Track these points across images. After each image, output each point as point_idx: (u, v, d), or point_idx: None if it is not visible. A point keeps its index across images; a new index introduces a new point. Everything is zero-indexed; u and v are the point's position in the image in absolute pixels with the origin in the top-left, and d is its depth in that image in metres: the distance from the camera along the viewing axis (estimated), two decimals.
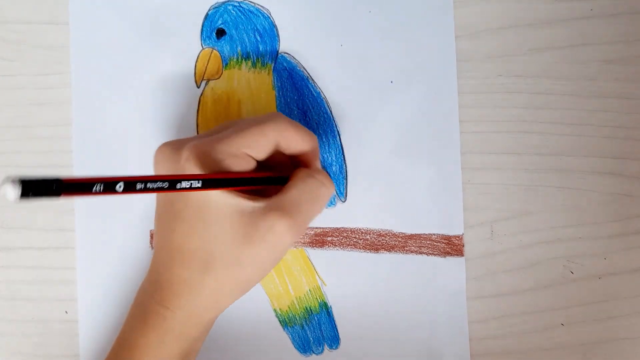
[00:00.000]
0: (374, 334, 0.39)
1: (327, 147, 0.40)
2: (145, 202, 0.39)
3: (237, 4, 0.40)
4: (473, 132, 0.40)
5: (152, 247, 0.39)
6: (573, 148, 0.40)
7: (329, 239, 0.40)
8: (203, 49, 0.40)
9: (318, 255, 0.40)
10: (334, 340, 0.40)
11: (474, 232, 0.40)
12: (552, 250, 0.40)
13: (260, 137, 0.32)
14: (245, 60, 0.39)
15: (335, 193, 0.40)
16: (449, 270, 0.39)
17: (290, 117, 0.39)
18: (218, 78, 0.39)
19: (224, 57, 0.39)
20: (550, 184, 0.40)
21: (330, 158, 0.40)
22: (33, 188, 0.22)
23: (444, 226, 0.39)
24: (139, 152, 0.39)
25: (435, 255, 0.39)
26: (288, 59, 0.40)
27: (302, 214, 0.32)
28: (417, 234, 0.39)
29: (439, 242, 0.39)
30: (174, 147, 0.32)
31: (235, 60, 0.39)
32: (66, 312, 0.39)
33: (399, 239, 0.39)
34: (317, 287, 0.40)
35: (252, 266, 0.32)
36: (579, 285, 0.39)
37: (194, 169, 0.30)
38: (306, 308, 0.40)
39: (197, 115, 0.39)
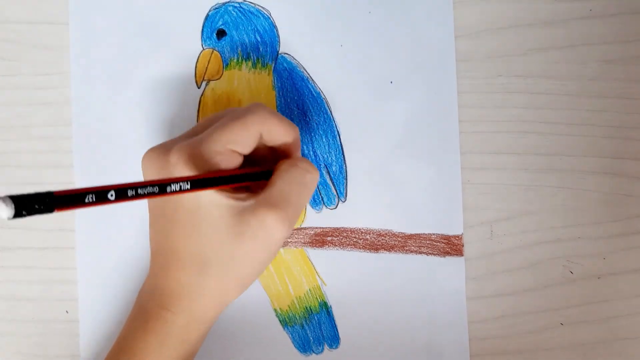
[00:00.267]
0: (374, 333, 0.39)
1: (327, 147, 0.40)
2: (145, 202, 0.39)
3: (238, 5, 0.40)
4: (473, 132, 0.40)
5: None
6: (573, 148, 0.40)
7: (329, 239, 0.40)
8: (203, 49, 0.40)
9: (318, 255, 0.40)
10: (334, 340, 0.40)
11: (473, 232, 0.40)
12: (551, 250, 0.40)
13: (243, 130, 0.32)
14: (245, 61, 0.39)
15: (335, 193, 0.40)
16: (448, 270, 0.39)
17: (290, 117, 0.39)
18: (218, 78, 0.39)
19: (225, 57, 0.39)
20: (550, 184, 0.40)
21: (330, 158, 0.40)
22: (26, 205, 0.22)
23: (444, 226, 0.40)
24: (139, 152, 0.39)
25: (434, 255, 0.39)
26: (288, 59, 0.40)
27: (291, 204, 0.32)
28: (417, 234, 0.40)
29: (439, 242, 0.39)
30: (160, 151, 0.32)
31: (235, 60, 0.39)
32: (67, 312, 0.39)
33: (399, 239, 0.39)
34: (317, 286, 0.40)
35: (249, 263, 0.32)
36: (579, 285, 0.40)
37: (183, 172, 0.30)
38: (306, 308, 0.40)
39: (198, 116, 0.39)
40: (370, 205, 0.40)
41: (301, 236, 0.40)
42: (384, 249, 0.39)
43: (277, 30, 0.40)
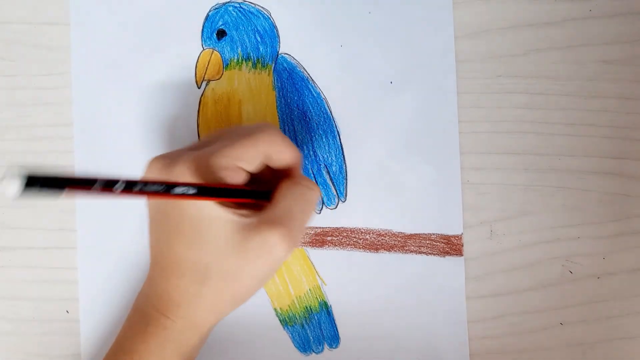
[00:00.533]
0: (374, 333, 0.39)
1: (327, 147, 0.40)
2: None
3: (238, 5, 0.40)
4: (473, 132, 0.40)
5: None
6: (573, 148, 0.40)
7: (329, 238, 0.40)
8: (204, 49, 0.40)
9: (318, 255, 0.40)
10: (334, 340, 0.40)
11: (473, 232, 0.40)
12: (551, 250, 0.40)
13: (252, 148, 0.32)
14: (245, 61, 0.39)
15: (335, 193, 0.40)
16: (448, 270, 0.39)
17: (290, 118, 0.39)
18: (218, 79, 0.40)
19: (225, 58, 0.39)
20: (549, 184, 0.40)
21: (330, 158, 0.40)
22: (38, 183, 0.22)
23: (444, 226, 0.40)
24: (139, 152, 0.39)
25: (434, 255, 0.39)
26: (288, 59, 0.40)
27: (294, 222, 0.32)
28: (417, 234, 0.40)
29: (439, 241, 0.40)
30: (166, 160, 0.32)
31: (235, 61, 0.39)
32: (67, 311, 0.40)
33: (399, 239, 0.40)
34: (317, 286, 0.40)
35: (249, 278, 0.32)
36: (578, 285, 0.40)
37: (188, 181, 0.31)
38: (306, 307, 0.40)
39: (198, 116, 0.39)
40: (370, 205, 0.40)
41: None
42: (384, 249, 0.40)
43: (277, 30, 0.40)
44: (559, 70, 0.40)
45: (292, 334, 0.40)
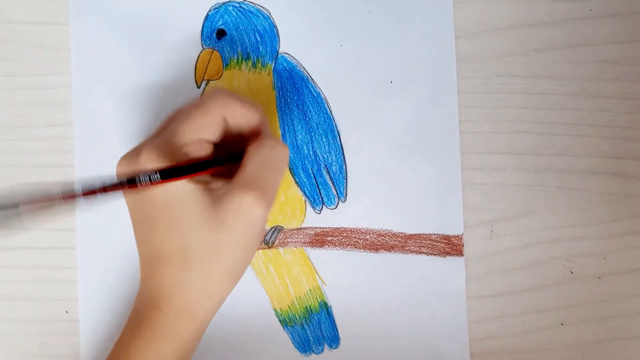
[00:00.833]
0: (374, 333, 0.39)
1: (327, 147, 0.40)
2: None
3: (238, 5, 0.40)
4: (473, 132, 0.40)
5: None
6: (573, 148, 0.40)
7: (329, 239, 0.40)
8: (203, 49, 0.40)
9: (318, 255, 0.40)
10: (334, 340, 0.40)
11: (473, 232, 0.40)
12: (551, 250, 0.40)
13: (206, 116, 0.32)
14: (245, 61, 0.39)
15: (335, 193, 0.40)
16: (448, 270, 0.39)
17: (290, 118, 0.39)
18: (218, 78, 0.40)
19: (225, 57, 0.39)
20: (550, 184, 0.40)
21: (330, 158, 0.40)
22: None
23: (444, 226, 0.40)
24: None
25: (435, 255, 0.39)
26: (288, 59, 0.40)
27: (264, 182, 0.31)
28: (417, 234, 0.40)
29: (439, 242, 0.39)
30: (130, 155, 0.32)
31: (235, 60, 0.39)
32: (67, 311, 0.40)
33: (399, 239, 0.40)
34: (317, 286, 0.40)
35: (233, 251, 0.32)
36: (579, 285, 0.40)
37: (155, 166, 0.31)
38: (306, 308, 0.40)
39: None
40: (370, 205, 0.40)
41: (301, 236, 0.40)
42: (384, 249, 0.39)
43: (277, 30, 0.40)
44: (559, 70, 0.40)
45: (292, 334, 0.40)
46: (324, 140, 0.40)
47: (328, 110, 0.40)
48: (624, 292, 0.40)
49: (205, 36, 0.40)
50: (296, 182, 0.40)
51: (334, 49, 0.40)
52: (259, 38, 0.40)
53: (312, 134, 0.40)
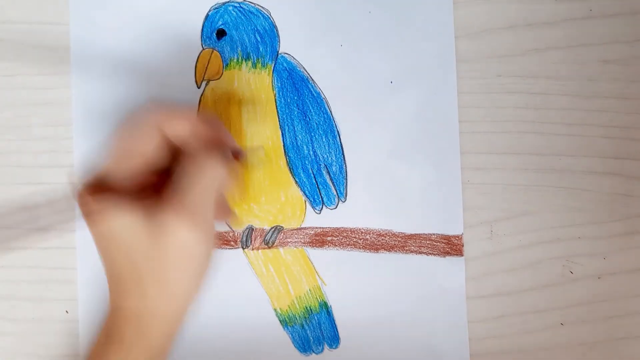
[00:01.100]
0: (374, 333, 0.39)
1: (327, 147, 0.40)
2: None
3: (238, 5, 0.40)
4: (473, 132, 0.40)
5: None
6: (573, 148, 0.40)
7: (329, 239, 0.40)
8: (203, 49, 0.40)
9: (318, 255, 0.40)
10: (334, 340, 0.40)
11: (473, 232, 0.40)
12: (551, 250, 0.40)
13: (136, 131, 0.31)
14: (245, 61, 0.39)
15: (335, 193, 0.40)
16: (448, 270, 0.39)
17: (290, 117, 0.39)
18: (218, 78, 0.40)
19: (225, 57, 0.39)
20: (550, 184, 0.40)
21: (330, 158, 0.40)
22: None
23: (444, 226, 0.40)
24: None
25: (434, 255, 0.39)
26: (288, 59, 0.40)
27: (193, 202, 0.30)
28: (417, 234, 0.40)
29: (439, 242, 0.39)
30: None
31: (235, 60, 0.39)
32: (67, 312, 0.40)
33: (399, 239, 0.39)
34: (317, 286, 0.40)
35: (180, 275, 0.31)
36: (579, 285, 0.40)
37: (91, 204, 0.30)
38: (306, 308, 0.40)
39: None
40: (370, 205, 0.40)
41: (301, 236, 0.40)
42: (384, 249, 0.39)
43: (277, 30, 0.40)
44: (559, 70, 0.40)
45: (292, 334, 0.40)
46: (324, 140, 0.40)
47: (328, 110, 0.40)
48: (624, 292, 0.40)
49: (205, 36, 0.40)
50: (296, 182, 0.40)
51: (334, 49, 0.40)
52: (259, 38, 0.40)
53: (312, 134, 0.40)
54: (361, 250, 0.40)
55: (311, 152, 0.40)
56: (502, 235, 0.40)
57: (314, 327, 0.40)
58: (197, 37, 0.40)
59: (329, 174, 0.40)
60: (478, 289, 0.40)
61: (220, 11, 0.40)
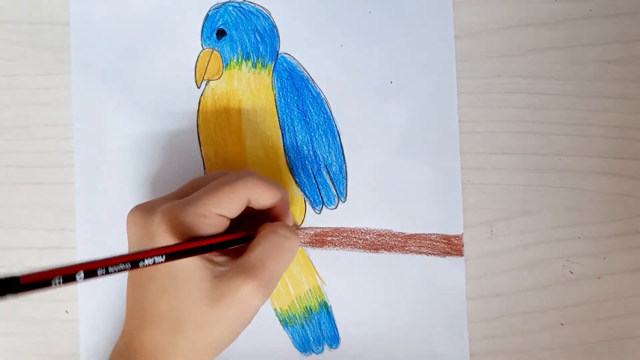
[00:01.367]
0: (374, 333, 0.39)
1: (327, 147, 0.40)
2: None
3: (238, 5, 0.40)
4: (473, 132, 0.40)
5: None
6: (573, 148, 0.40)
7: (329, 239, 0.40)
8: (203, 49, 0.40)
9: (318, 255, 0.40)
10: (334, 340, 0.40)
11: (473, 232, 0.40)
12: (551, 250, 0.40)
13: (232, 195, 0.32)
14: (245, 61, 0.40)
15: (335, 193, 0.40)
16: (448, 270, 0.39)
17: (290, 117, 0.39)
18: (218, 78, 0.40)
19: (224, 57, 0.39)
20: (550, 184, 0.40)
21: (330, 158, 0.40)
22: None
23: (444, 226, 0.40)
24: (139, 152, 0.39)
25: (434, 255, 0.39)
26: (288, 59, 0.40)
27: (267, 271, 0.32)
28: (417, 234, 0.40)
29: (439, 242, 0.39)
30: (144, 211, 0.32)
31: (235, 60, 0.39)
32: (67, 311, 0.40)
33: (399, 239, 0.40)
34: (317, 286, 0.40)
35: (222, 328, 0.32)
36: (579, 285, 0.40)
37: (164, 235, 0.31)
38: (306, 308, 0.40)
39: (198, 116, 0.40)
40: (370, 205, 0.40)
41: (301, 236, 0.40)
42: (384, 249, 0.39)
43: (277, 30, 0.40)
44: (559, 70, 0.40)
45: (292, 334, 0.40)
46: (324, 140, 0.40)
47: (328, 110, 0.40)
48: (623, 292, 0.40)
49: (205, 36, 0.40)
50: (296, 182, 0.40)
51: (334, 49, 0.40)
52: (259, 38, 0.40)
53: (312, 134, 0.40)
54: (361, 250, 0.40)
55: (311, 152, 0.40)
56: (502, 235, 0.40)
57: (314, 327, 0.40)
58: (197, 37, 0.40)
59: (329, 174, 0.40)
60: (478, 289, 0.40)
61: (220, 11, 0.40)
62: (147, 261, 0.28)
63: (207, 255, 0.32)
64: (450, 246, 0.39)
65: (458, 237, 0.40)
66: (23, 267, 0.40)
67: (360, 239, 0.40)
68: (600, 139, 0.40)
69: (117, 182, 0.39)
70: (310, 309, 0.40)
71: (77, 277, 0.25)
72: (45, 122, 0.40)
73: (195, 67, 0.40)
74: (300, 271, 0.40)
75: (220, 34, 0.39)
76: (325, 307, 0.40)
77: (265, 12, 0.40)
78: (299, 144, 0.40)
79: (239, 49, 0.39)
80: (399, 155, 0.40)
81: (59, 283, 0.25)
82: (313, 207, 0.40)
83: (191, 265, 0.31)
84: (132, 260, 0.28)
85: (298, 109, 0.40)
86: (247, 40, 0.40)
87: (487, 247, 0.40)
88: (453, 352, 0.39)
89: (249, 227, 0.35)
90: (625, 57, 0.40)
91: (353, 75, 0.40)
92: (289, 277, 0.40)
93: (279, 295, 0.40)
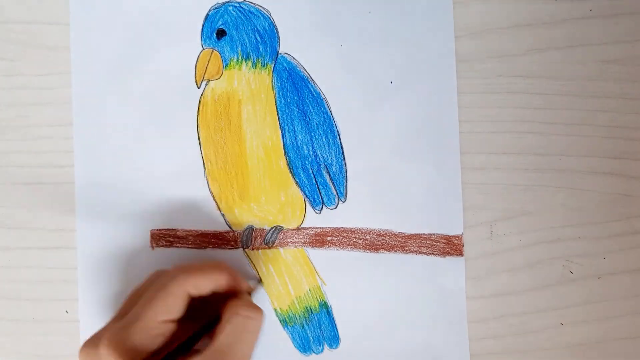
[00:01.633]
0: (374, 333, 0.39)
1: (327, 147, 0.40)
2: (146, 202, 0.39)
3: (238, 5, 0.40)
4: (473, 132, 0.40)
5: (152, 248, 0.39)
6: (573, 148, 0.40)
7: (329, 239, 0.40)
8: (203, 49, 0.40)
9: (318, 255, 0.40)
10: (334, 340, 0.40)
11: (473, 232, 0.40)
12: (551, 250, 0.40)
13: (168, 298, 0.32)
14: (245, 61, 0.39)
15: (335, 193, 0.40)
16: (448, 270, 0.39)
17: (290, 117, 0.39)
18: (218, 78, 0.40)
19: (224, 57, 0.39)
20: (550, 184, 0.40)
21: (330, 158, 0.40)
22: None
23: (444, 226, 0.40)
24: (139, 152, 0.39)
25: (434, 255, 0.39)
26: (288, 59, 0.40)
27: (237, 356, 0.32)
28: (417, 234, 0.40)
29: (439, 242, 0.39)
30: (91, 346, 0.31)
31: (235, 60, 0.39)
32: (67, 312, 0.40)
33: (399, 239, 0.39)
34: (317, 286, 0.40)
35: None
36: (579, 285, 0.40)
37: None
38: (306, 307, 0.40)
39: (198, 116, 0.39)
40: (370, 205, 0.40)
41: (301, 236, 0.40)
42: (384, 249, 0.39)
43: (277, 30, 0.40)
44: (559, 70, 0.40)
45: (292, 334, 0.40)
46: (324, 140, 0.40)
47: (328, 110, 0.40)
48: (623, 292, 0.40)
49: (205, 36, 0.40)
50: (296, 182, 0.40)
51: (334, 49, 0.40)
52: (259, 38, 0.40)
53: (312, 134, 0.40)
54: (361, 250, 0.40)
55: (311, 152, 0.40)
56: (502, 235, 0.40)
57: (314, 327, 0.40)
58: (197, 37, 0.40)
59: (329, 174, 0.40)
60: (478, 289, 0.40)
61: (220, 11, 0.40)
62: None
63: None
64: (450, 246, 0.39)
65: (458, 237, 0.39)
66: (22, 266, 0.40)
67: (360, 239, 0.40)
68: (600, 139, 0.40)
69: (117, 182, 0.39)
70: (310, 309, 0.40)
71: None
72: (45, 122, 0.40)
73: (195, 67, 0.40)
74: (300, 271, 0.40)
75: (220, 34, 0.39)
76: (325, 307, 0.40)
77: (265, 12, 0.40)
78: (299, 144, 0.40)
79: (239, 49, 0.39)
80: (399, 155, 0.40)
81: None
82: (313, 207, 0.40)
83: None
84: None
85: (298, 109, 0.40)
86: (247, 40, 0.39)
87: (487, 247, 0.40)
88: (453, 352, 0.39)
89: (211, 307, 0.35)
90: (625, 57, 0.40)
91: (353, 75, 0.40)
92: (289, 277, 0.40)
93: (279, 295, 0.40)
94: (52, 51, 0.40)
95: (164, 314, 0.32)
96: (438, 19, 0.40)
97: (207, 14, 0.40)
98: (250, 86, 0.39)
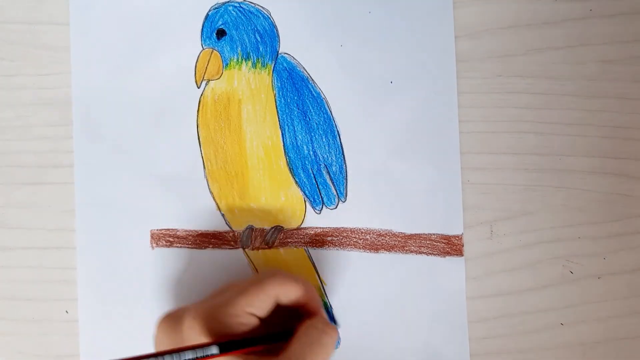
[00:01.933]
0: (374, 333, 0.39)
1: (327, 147, 0.40)
2: (146, 202, 0.39)
3: (238, 5, 0.40)
4: (473, 132, 0.40)
5: (152, 248, 0.39)
6: (573, 148, 0.40)
7: (329, 239, 0.40)
8: (203, 49, 0.40)
9: (318, 255, 0.40)
10: None
11: (473, 232, 0.40)
12: (551, 250, 0.40)
13: (261, 294, 0.33)
14: (245, 61, 0.39)
15: (335, 193, 0.40)
16: (448, 270, 0.39)
17: (290, 117, 0.39)
18: (218, 78, 0.40)
19: (224, 57, 0.39)
20: (549, 184, 0.40)
21: (330, 158, 0.40)
22: None
23: (444, 226, 0.40)
24: (139, 152, 0.39)
25: (434, 255, 0.39)
26: (288, 59, 0.40)
27: None
28: (417, 234, 0.40)
29: (439, 242, 0.39)
30: (172, 318, 0.33)
31: (235, 60, 0.39)
32: (67, 311, 0.40)
33: (399, 239, 0.39)
34: (317, 286, 0.40)
35: None
36: (579, 285, 0.40)
37: (198, 337, 0.31)
38: None
39: (198, 116, 0.40)
40: (370, 205, 0.40)
41: (301, 236, 0.40)
42: (384, 249, 0.39)
43: (277, 30, 0.40)
44: (559, 70, 0.40)
45: None
46: (324, 140, 0.40)
47: (328, 110, 0.40)
48: (623, 292, 0.40)
49: (205, 36, 0.40)
50: (296, 182, 0.40)
51: (334, 49, 0.40)
52: (259, 38, 0.40)
53: (312, 134, 0.40)
54: (361, 250, 0.40)
55: (311, 152, 0.40)
56: (502, 235, 0.40)
57: None
58: (197, 37, 0.40)
59: (329, 174, 0.40)
60: (478, 289, 0.40)
61: (220, 11, 0.40)
62: (201, 352, 0.29)
63: (245, 355, 0.32)
64: (450, 246, 0.39)
65: (458, 237, 0.39)
66: (22, 266, 0.40)
67: (360, 239, 0.40)
68: (600, 139, 0.40)
69: (117, 182, 0.39)
70: None
71: None
72: (45, 122, 0.40)
73: (195, 67, 0.40)
74: (300, 271, 0.40)
75: (220, 33, 0.39)
76: (325, 307, 0.40)
77: (265, 12, 0.40)
78: (299, 144, 0.40)
79: (239, 48, 0.39)
80: (399, 155, 0.40)
81: None
82: (313, 207, 0.40)
83: None
84: (194, 349, 0.29)
85: (298, 109, 0.40)
86: (247, 40, 0.39)
87: (487, 247, 0.40)
88: (453, 352, 0.39)
89: (279, 326, 0.35)
90: (625, 57, 0.40)
91: (353, 75, 0.40)
92: None
93: None
94: (52, 51, 0.40)
95: (253, 307, 0.33)
96: (438, 19, 0.40)
97: (207, 14, 0.40)
98: (250, 86, 0.39)
